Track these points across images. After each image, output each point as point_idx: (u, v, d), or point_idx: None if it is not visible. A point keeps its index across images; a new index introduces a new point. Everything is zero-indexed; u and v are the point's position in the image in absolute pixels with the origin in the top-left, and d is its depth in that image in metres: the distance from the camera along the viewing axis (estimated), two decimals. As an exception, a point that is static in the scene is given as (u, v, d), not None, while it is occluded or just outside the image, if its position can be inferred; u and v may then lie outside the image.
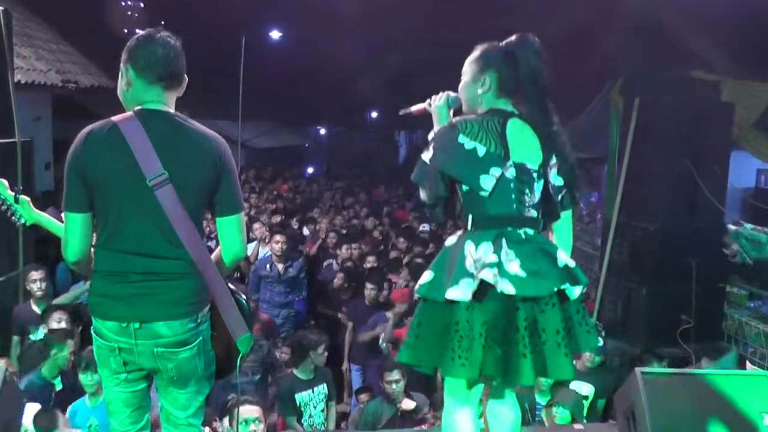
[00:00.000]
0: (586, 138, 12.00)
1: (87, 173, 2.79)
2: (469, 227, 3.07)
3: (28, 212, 3.34)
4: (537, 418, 5.82)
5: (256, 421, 4.83)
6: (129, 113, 2.87)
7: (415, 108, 3.47)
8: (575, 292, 3.03)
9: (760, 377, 4.02)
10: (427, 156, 3.07)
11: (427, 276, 3.10)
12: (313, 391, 6.14)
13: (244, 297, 3.18)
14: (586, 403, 6.18)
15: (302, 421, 6.05)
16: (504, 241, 2.95)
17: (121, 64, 2.92)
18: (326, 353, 6.48)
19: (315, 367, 6.23)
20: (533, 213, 3.07)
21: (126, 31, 15.85)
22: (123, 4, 16.05)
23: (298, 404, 6.02)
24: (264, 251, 9.48)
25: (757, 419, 3.71)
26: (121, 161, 2.77)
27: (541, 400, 5.94)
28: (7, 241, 6.49)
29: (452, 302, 2.92)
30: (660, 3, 7.19)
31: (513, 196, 3.01)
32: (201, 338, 2.96)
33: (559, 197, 3.16)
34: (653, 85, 7.85)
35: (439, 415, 5.04)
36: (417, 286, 3.12)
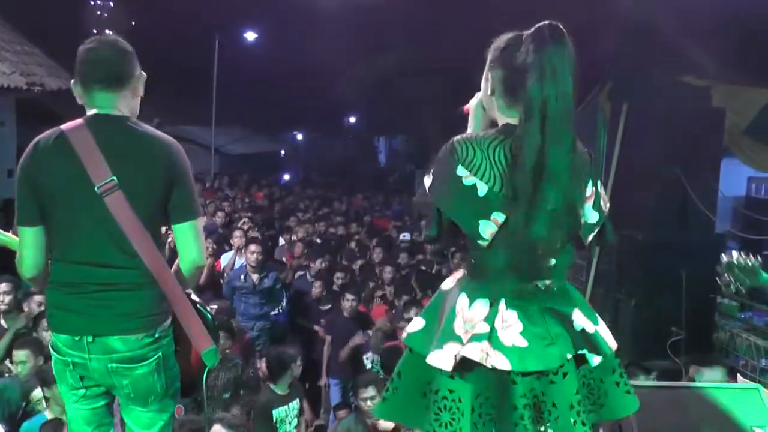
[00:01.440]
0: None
1: (36, 184, 2.80)
2: (468, 272, 2.67)
3: None
4: None
5: None
6: (79, 120, 2.87)
7: (466, 106, 2.86)
8: (595, 360, 2.59)
9: (751, 390, 4.07)
10: (427, 182, 2.61)
11: (417, 324, 2.73)
12: (288, 407, 6.15)
13: (207, 308, 3.15)
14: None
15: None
16: (503, 301, 2.52)
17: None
18: (301, 365, 6.51)
19: (291, 382, 6.25)
20: (551, 260, 2.55)
21: (95, 31, 15.80)
22: (92, 3, 16.00)
23: (274, 420, 6.02)
24: (240, 261, 9.46)
25: (748, 432, 3.75)
26: (69, 169, 2.77)
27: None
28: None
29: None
30: (650, 8, 7.25)
31: (525, 244, 2.48)
32: (160, 354, 2.90)
33: (591, 236, 2.66)
34: (642, 90, 7.91)
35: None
36: (404, 334, 2.76)
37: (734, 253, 3.67)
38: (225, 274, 9.29)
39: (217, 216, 13.01)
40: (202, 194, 15.96)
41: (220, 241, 10.54)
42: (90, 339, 2.80)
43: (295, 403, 6.22)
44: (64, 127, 2.83)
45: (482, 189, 2.45)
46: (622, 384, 2.74)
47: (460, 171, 2.47)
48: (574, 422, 2.50)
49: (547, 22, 2.43)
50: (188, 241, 2.94)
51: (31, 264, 2.87)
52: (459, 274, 2.73)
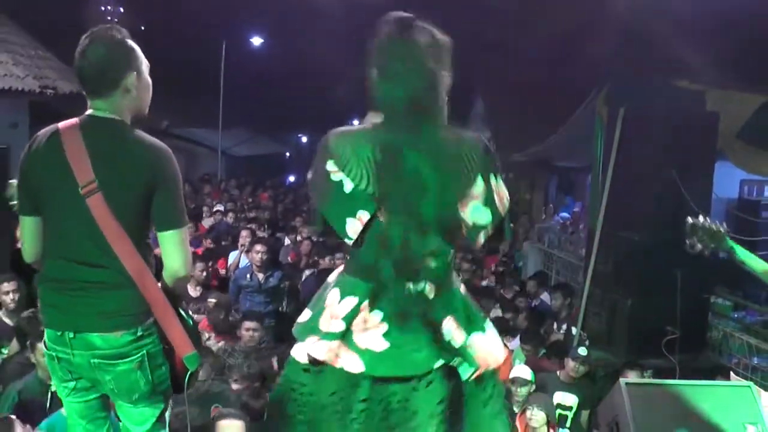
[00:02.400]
0: (570, 147, 12.10)
1: (28, 178, 2.86)
2: (345, 268, 2.55)
3: None
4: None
5: None
6: (74, 119, 2.87)
7: None
8: (467, 373, 2.44)
9: (743, 388, 4.07)
10: (309, 175, 2.51)
11: (304, 316, 2.59)
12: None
13: (188, 312, 3.08)
14: (570, 414, 6.22)
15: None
16: (367, 302, 2.38)
17: None
18: None
19: None
20: (430, 262, 2.39)
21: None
22: (103, 9, 16.01)
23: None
24: (246, 260, 9.47)
25: (740, 429, 3.75)
26: (57, 168, 2.77)
27: (516, 409, 5.99)
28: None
29: None
30: (645, 13, 7.25)
31: (394, 244, 2.34)
32: (143, 352, 2.84)
33: (482, 236, 2.43)
34: (638, 95, 7.90)
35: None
36: (295, 325, 2.62)
37: (701, 218, 3.70)
38: (231, 273, 9.31)
39: (227, 216, 13.05)
40: (210, 195, 15.99)
41: (219, 239, 10.55)
42: (71, 335, 2.79)
43: None
44: (60, 125, 2.85)
45: (348, 186, 2.33)
46: (490, 404, 2.54)
47: (329, 166, 2.36)
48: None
49: (392, 15, 2.34)
50: (170, 249, 2.87)
51: (30, 251, 2.95)
52: (341, 268, 2.60)
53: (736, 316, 9.19)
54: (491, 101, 13.40)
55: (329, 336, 2.38)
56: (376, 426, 2.38)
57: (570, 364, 6.43)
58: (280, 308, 9.03)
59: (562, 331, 8.50)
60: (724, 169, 9.28)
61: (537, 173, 19.89)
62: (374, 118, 2.46)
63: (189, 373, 2.93)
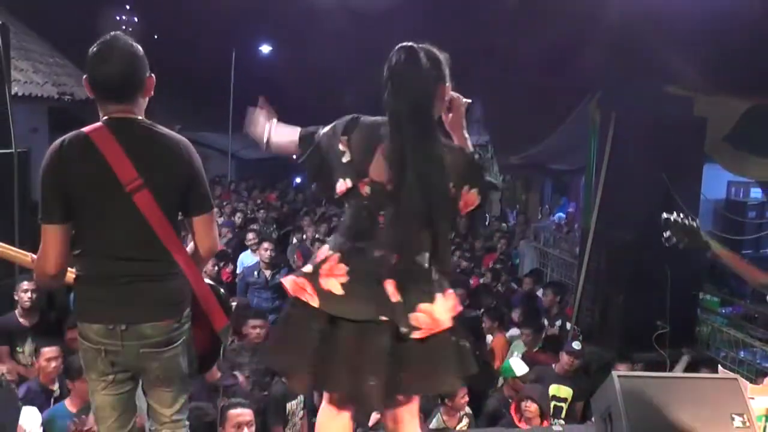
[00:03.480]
0: (564, 150, 12.11)
1: (62, 184, 2.78)
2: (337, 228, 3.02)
3: None
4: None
5: (249, 424, 4.80)
6: (98, 123, 2.85)
7: None
8: (403, 331, 2.71)
9: (730, 380, 4.06)
10: (323, 129, 2.90)
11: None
12: (297, 399, 6.13)
13: (221, 289, 3.22)
14: (565, 405, 6.22)
15: (287, 429, 6.02)
16: (338, 255, 2.77)
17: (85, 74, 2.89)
18: None
19: None
20: (397, 236, 2.74)
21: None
22: (117, 18, 16.01)
23: (287, 412, 6.01)
24: (254, 259, 9.47)
25: (727, 420, 3.75)
26: (96, 170, 2.76)
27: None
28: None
29: None
30: (635, 22, 7.24)
31: (365, 214, 2.75)
32: (184, 337, 2.96)
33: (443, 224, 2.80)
34: (629, 100, 7.92)
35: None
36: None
37: (674, 213, 3.73)
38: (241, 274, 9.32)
39: (235, 217, 13.05)
40: (221, 196, 16.00)
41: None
42: (123, 327, 2.82)
43: (301, 396, 6.21)
44: (85, 130, 2.82)
45: (347, 157, 2.75)
46: (433, 363, 2.80)
47: (342, 137, 2.77)
48: (371, 372, 2.68)
49: (403, 44, 2.70)
50: (206, 230, 3.01)
51: (55, 262, 2.85)
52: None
53: (723, 311, 9.18)
54: (489, 106, 13.38)
55: (302, 274, 2.81)
56: (324, 354, 2.72)
57: (565, 357, 6.43)
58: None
59: (555, 327, 8.50)
60: (712, 171, 9.29)
61: (533, 175, 19.90)
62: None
63: (222, 345, 3.13)
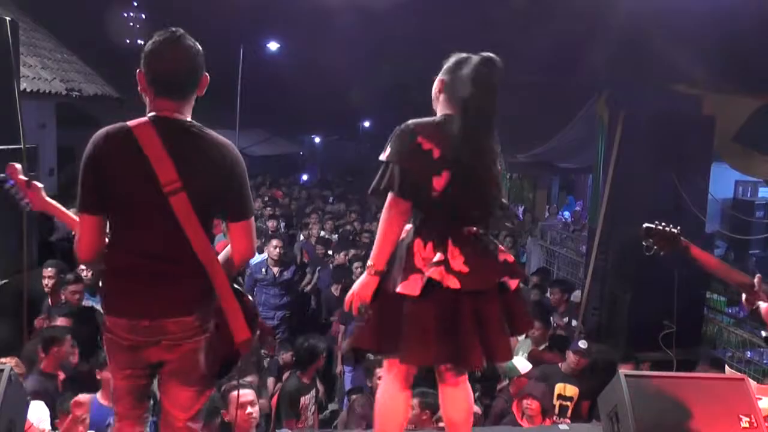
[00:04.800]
0: (572, 149, 12.07)
1: (104, 175, 2.76)
2: (418, 224, 3.18)
3: (39, 198, 3.22)
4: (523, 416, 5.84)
5: (253, 404, 4.87)
6: (144, 119, 2.82)
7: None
8: (512, 284, 3.19)
9: (737, 380, 4.05)
10: (385, 154, 3.12)
11: (390, 270, 3.18)
12: (311, 394, 6.16)
13: (249, 299, 3.15)
14: (571, 404, 6.21)
15: (299, 423, 6.05)
16: (450, 240, 3.08)
17: (140, 68, 2.86)
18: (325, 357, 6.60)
19: (316, 371, 6.30)
20: (478, 213, 3.18)
21: (128, 41, 15.83)
22: (125, 15, 16.06)
23: (299, 407, 6.03)
24: (260, 256, 9.48)
25: (735, 420, 3.74)
26: (137, 166, 2.74)
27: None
28: (12, 243, 6.49)
29: (403, 295, 3.05)
30: (643, 20, 7.22)
31: (459, 200, 3.07)
32: (206, 335, 2.93)
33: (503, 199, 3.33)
34: (637, 99, 7.89)
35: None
36: (385, 279, 3.20)
37: (655, 222, 3.82)
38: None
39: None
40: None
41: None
42: (147, 323, 2.82)
43: (314, 391, 6.24)
44: (131, 124, 2.79)
45: (436, 153, 3.02)
46: (522, 312, 3.29)
47: (420, 139, 3.04)
48: (500, 330, 3.13)
49: (488, 54, 3.09)
50: (242, 237, 2.98)
51: (88, 249, 2.85)
52: (409, 227, 3.22)
53: (730, 311, 9.16)
54: (498, 105, 13.37)
55: (436, 264, 3.03)
56: (467, 330, 3.05)
57: (571, 356, 6.41)
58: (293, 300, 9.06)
59: (563, 323, 8.48)
60: (720, 170, 9.26)
61: (540, 174, 19.84)
62: (443, 111, 3.19)
63: (241, 356, 3.09)
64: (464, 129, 3.07)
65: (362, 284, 3.16)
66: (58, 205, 3.27)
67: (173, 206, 2.76)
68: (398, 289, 3.04)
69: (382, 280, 3.14)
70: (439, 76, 3.21)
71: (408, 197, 3.07)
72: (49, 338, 5.45)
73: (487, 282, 3.11)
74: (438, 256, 3.05)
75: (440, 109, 3.21)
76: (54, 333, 5.57)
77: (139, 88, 2.88)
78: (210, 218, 2.90)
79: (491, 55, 3.10)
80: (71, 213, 3.20)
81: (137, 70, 2.85)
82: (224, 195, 2.88)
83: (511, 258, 3.24)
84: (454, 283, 3.01)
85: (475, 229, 3.16)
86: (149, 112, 2.86)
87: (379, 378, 5.73)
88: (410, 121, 3.12)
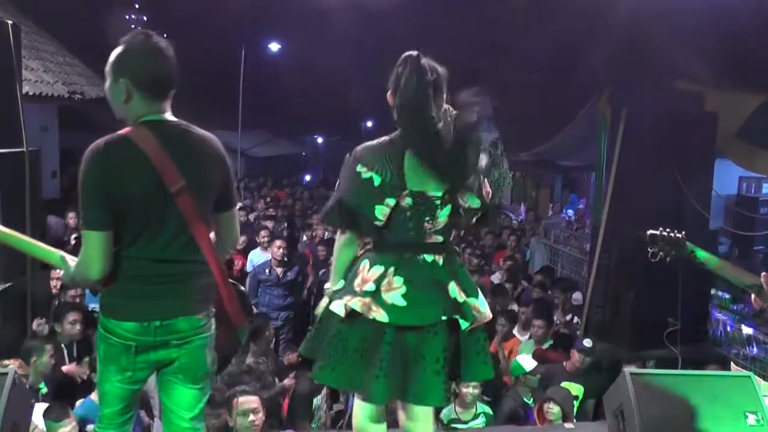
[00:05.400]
0: (574, 147, 12.05)
1: (111, 188, 2.72)
2: (371, 245, 3.14)
3: None
4: (531, 418, 5.83)
5: (255, 411, 4.84)
6: (138, 126, 2.81)
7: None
8: (465, 325, 3.05)
9: (743, 377, 4.04)
10: (338, 183, 3.10)
11: (340, 284, 3.18)
12: (321, 395, 6.17)
13: (243, 289, 3.31)
14: (576, 403, 6.19)
15: (312, 423, 6.06)
16: (393, 269, 3.01)
17: (113, 75, 2.83)
18: None
19: None
20: (438, 238, 3.05)
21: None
22: (127, 17, 16.08)
23: (312, 408, 6.04)
24: (263, 257, 9.47)
25: (741, 418, 3.73)
26: (143, 172, 2.73)
27: (527, 400, 5.98)
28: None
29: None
30: (644, 17, 7.20)
31: (410, 224, 2.99)
32: (210, 332, 3.01)
33: (474, 219, 3.15)
34: (639, 96, 7.87)
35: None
36: (329, 292, 3.25)
37: (659, 229, 3.84)
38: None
39: (249, 215, 13.08)
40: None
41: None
42: (158, 324, 2.85)
43: (325, 390, 6.24)
44: (127, 132, 2.78)
45: (377, 180, 2.93)
46: (482, 354, 3.16)
47: (359, 168, 2.96)
48: (437, 372, 2.99)
49: (412, 53, 2.92)
50: (232, 224, 3.14)
51: (101, 267, 2.77)
52: (366, 247, 3.17)
53: (735, 308, 9.13)
54: (499, 104, 13.35)
55: (364, 294, 2.98)
56: (395, 365, 2.97)
57: (575, 355, 6.40)
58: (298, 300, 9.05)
59: (566, 321, 8.47)
60: (723, 167, 9.23)
61: (543, 172, 19.84)
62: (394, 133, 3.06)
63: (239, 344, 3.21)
64: (413, 149, 2.94)
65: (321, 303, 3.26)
66: (13, 234, 3.11)
67: (179, 206, 2.80)
68: (330, 306, 3.08)
69: (332, 294, 3.16)
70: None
71: (349, 228, 3.10)
72: (27, 350, 5.39)
73: (425, 318, 2.99)
74: (370, 286, 2.99)
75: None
76: (33, 344, 5.50)
77: (123, 98, 2.83)
78: (207, 212, 2.95)
79: (411, 52, 2.94)
80: (39, 242, 3.13)
81: (119, 79, 2.81)
82: (217, 186, 2.96)
83: (462, 296, 3.07)
84: (381, 315, 2.95)
85: (432, 257, 3.05)
86: (136, 116, 2.84)
87: None
88: (357, 147, 3.07)
